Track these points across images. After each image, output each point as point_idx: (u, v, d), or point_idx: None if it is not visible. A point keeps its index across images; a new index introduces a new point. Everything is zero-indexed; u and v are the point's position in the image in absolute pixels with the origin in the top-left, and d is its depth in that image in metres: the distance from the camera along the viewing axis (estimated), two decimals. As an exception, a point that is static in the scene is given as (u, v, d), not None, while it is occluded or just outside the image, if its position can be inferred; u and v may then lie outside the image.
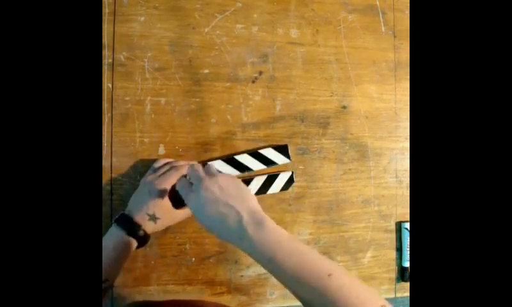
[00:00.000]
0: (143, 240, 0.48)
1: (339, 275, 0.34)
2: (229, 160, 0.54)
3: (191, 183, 0.43)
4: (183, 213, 0.50)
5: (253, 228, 0.37)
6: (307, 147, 0.58)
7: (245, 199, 0.40)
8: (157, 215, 0.48)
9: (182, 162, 0.52)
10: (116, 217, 0.47)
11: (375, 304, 0.32)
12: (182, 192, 0.43)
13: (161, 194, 0.47)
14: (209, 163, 0.51)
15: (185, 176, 0.47)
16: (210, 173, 0.42)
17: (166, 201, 0.48)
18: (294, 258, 0.35)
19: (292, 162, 0.57)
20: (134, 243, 0.47)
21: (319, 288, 0.33)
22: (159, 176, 0.49)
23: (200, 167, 0.44)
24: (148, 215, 0.47)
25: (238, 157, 0.55)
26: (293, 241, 0.37)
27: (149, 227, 0.48)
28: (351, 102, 0.59)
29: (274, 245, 0.36)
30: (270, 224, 0.37)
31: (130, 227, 0.46)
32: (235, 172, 0.54)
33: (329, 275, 0.34)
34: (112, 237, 0.46)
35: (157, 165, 0.51)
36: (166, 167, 0.50)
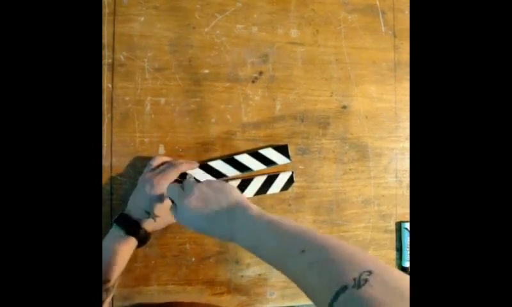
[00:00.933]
0: (144, 238, 0.48)
1: (312, 252, 0.31)
2: (229, 160, 0.54)
3: (173, 202, 0.44)
4: None
5: (237, 222, 0.37)
6: (307, 147, 0.58)
7: (224, 197, 0.40)
8: (156, 213, 0.48)
9: (180, 160, 0.52)
10: (116, 217, 0.47)
11: (352, 273, 0.27)
12: (172, 214, 0.44)
13: (160, 192, 0.47)
14: (188, 176, 0.51)
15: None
16: (186, 187, 0.43)
17: (166, 199, 0.48)
18: (273, 241, 0.34)
19: (292, 162, 0.57)
20: (135, 242, 0.47)
21: (295, 266, 0.32)
22: (158, 174, 0.49)
23: (176, 186, 0.44)
24: (148, 213, 0.47)
25: (238, 157, 0.55)
26: (272, 223, 0.36)
27: (149, 225, 0.48)
28: (351, 102, 0.59)
29: (256, 234, 0.36)
30: (251, 211, 0.38)
31: (130, 226, 0.46)
32: (235, 172, 0.54)
33: (302, 251, 0.31)
34: (113, 237, 0.46)
35: (155, 163, 0.51)
36: (165, 165, 0.50)
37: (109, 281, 0.44)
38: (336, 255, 0.29)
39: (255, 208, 0.38)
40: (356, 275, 0.26)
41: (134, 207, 0.48)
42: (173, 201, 0.44)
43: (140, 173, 0.52)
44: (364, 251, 0.33)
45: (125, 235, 0.46)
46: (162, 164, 0.51)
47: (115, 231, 0.46)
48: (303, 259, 0.31)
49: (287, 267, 0.33)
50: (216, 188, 0.41)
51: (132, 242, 0.47)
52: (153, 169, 0.50)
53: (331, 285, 0.27)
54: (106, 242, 0.46)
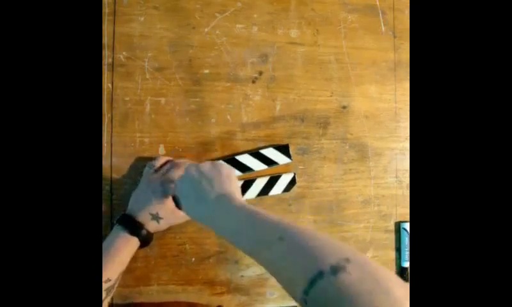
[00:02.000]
0: (146, 239, 0.48)
1: (289, 240, 0.30)
2: (230, 160, 0.54)
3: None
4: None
5: (217, 207, 0.38)
6: (307, 147, 0.58)
7: (220, 180, 0.40)
8: (160, 214, 0.48)
9: (182, 160, 0.52)
10: (118, 217, 0.47)
11: (328, 260, 0.26)
12: (175, 185, 0.44)
13: (164, 193, 0.47)
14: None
15: None
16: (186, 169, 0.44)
17: (169, 201, 0.48)
18: (250, 229, 0.34)
19: (292, 161, 0.57)
20: (137, 243, 0.47)
21: (271, 253, 0.31)
22: (162, 175, 0.48)
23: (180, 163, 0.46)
24: (151, 214, 0.47)
25: (239, 157, 0.55)
26: (251, 213, 0.36)
27: (152, 226, 0.48)
28: (351, 102, 0.59)
29: (234, 222, 0.36)
30: (232, 201, 0.38)
31: (133, 227, 0.46)
32: (237, 172, 0.54)
33: (280, 238, 0.31)
34: (115, 237, 0.46)
35: (157, 163, 0.50)
36: (168, 166, 0.50)
37: (109, 280, 0.44)
38: (313, 242, 0.29)
39: (238, 199, 0.38)
40: (333, 262, 0.26)
41: (137, 208, 0.48)
42: (178, 200, 0.44)
43: (140, 173, 0.52)
44: (341, 241, 0.32)
45: (128, 235, 0.46)
46: (165, 163, 0.51)
47: (118, 231, 0.46)
48: (280, 246, 0.30)
49: (263, 254, 0.32)
50: (218, 170, 0.42)
51: (135, 242, 0.47)
52: (156, 170, 0.50)
53: (308, 272, 0.26)
54: (108, 241, 0.46)
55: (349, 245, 0.34)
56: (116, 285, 0.46)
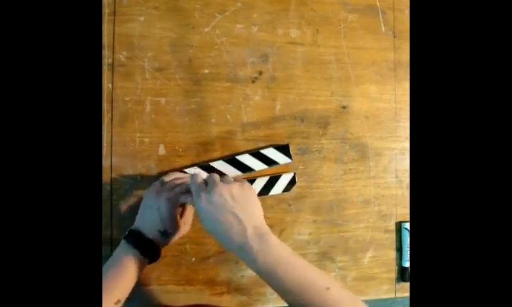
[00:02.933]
0: (156, 256, 0.46)
1: (336, 291, 0.35)
2: (230, 160, 0.54)
3: (205, 184, 0.42)
4: (189, 225, 0.50)
5: (256, 241, 0.38)
6: (307, 147, 0.58)
7: (253, 213, 0.40)
8: (168, 230, 0.46)
9: (188, 175, 0.51)
10: (126, 234, 0.45)
11: None
12: (194, 190, 0.42)
13: (171, 209, 0.46)
14: (227, 175, 0.48)
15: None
16: (226, 181, 0.42)
17: (177, 215, 0.47)
18: (294, 272, 0.36)
19: (292, 161, 0.57)
20: (147, 261, 0.45)
21: (318, 302, 0.35)
22: (168, 190, 0.47)
23: (216, 176, 0.43)
24: (160, 232, 0.46)
25: (239, 157, 0.55)
26: (293, 256, 0.38)
27: (161, 242, 0.47)
28: (351, 102, 0.59)
29: (274, 260, 0.37)
30: (272, 238, 0.38)
31: (143, 246, 0.44)
32: (237, 172, 0.54)
33: (328, 289, 0.35)
34: (125, 256, 0.44)
35: (167, 179, 0.49)
36: (178, 182, 0.49)
37: (119, 301, 0.42)
38: (354, 299, 0.36)
39: (273, 235, 0.39)
40: None
41: (145, 225, 0.46)
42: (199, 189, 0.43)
43: (140, 173, 0.52)
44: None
45: (138, 254, 0.44)
46: (175, 179, 0.50)
47: (127, 249, 0.44)
48: (329, 295, 0.35)
49: (306, 298, 0.35)
50: (247, 197, 0.41)
51: (144, 260, 0.45)
52: (163, 184, 0.48)
53: None
54: (118, 261, 0.44)
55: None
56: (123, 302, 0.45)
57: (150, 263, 0.47)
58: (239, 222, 0.38)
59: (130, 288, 0.44)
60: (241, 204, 0.40)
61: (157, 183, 0.49)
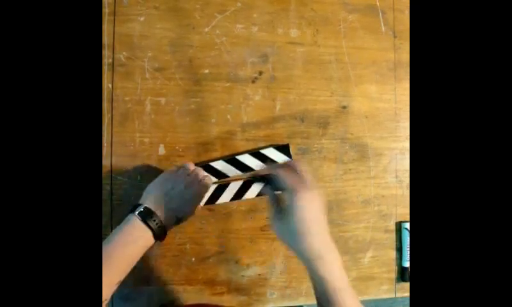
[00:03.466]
0: (162, 238, 0.46)
1: None
2: (230, 160, 0.54)
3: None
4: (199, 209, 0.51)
5: (330, 255, 0.37)
6: (307, 147, 0.58)
7: (326, 225, 0.38)
8: (184, 218, 0.47)
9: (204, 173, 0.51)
10: (141, 210, 0.44)
11: None
12: (290, 183, 0.38)
13: (197, 201, 0.47)
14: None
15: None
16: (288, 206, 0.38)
17: (195, 204, 0.48)
18: (348, 301, 0.36)
19: (291, 159, 0.57)
20: (152, 240, 0.45)
21: None
22: (198, 181, 0.48)
23: (274, 197, 0.41)
24: (177, 217, 0.46)
25: (239, 157, 0.55)
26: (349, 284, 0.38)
27: (170, 226, 0.47)
28: (351, 102, 0.59)
29: (340, 279, 0.37)
30: (339, 258, 0.38)
31: (157, 227, 0.44)
32: (237, 172, 0.54)
33: None
34: (136, 232, 0.43)
35: (191, 167, 0.50)
36: (202, 175, 0.50)
37: (120, 281, 0.42)
38: None
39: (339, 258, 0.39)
40: None
41: (163, 209, 0.45)
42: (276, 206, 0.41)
43: (140, 173, 0.52)
44: None
45: (151, 237, 0.44)
46: (196, 170, 0.50)
47: (140, 228, 0.43)
48: None
49: None
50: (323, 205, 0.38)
51: (151, 239, 0.44)
52: (189, 174, 0.49)
53: None
54: (128, 242, 0.43)
55: None
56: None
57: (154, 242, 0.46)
58: (323, 233, 0.37)
59: (134, 263, 0.44)
60: (323, 214, 0.38)
61: (181, 170, 0.49)
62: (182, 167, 0.49)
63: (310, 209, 0.37)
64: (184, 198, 0.47)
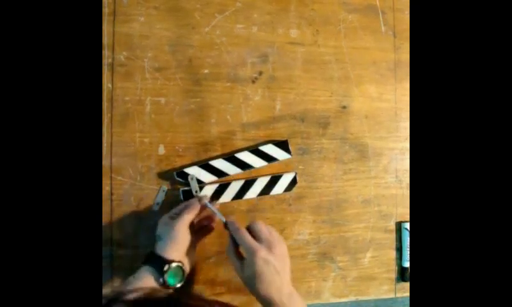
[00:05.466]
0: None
1: None
2: (230, 158, 0.54)
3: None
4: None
5: (286, 298, 0.43)
6: (307, 147, 0.58)
7: (287, 273, 0.45)
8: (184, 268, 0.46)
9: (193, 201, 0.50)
10: (153, 260, 0.44)
11: None
12: (247, 243, 0.45)
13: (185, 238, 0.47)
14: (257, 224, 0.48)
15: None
16: (267, 234, 0.46)
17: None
18: None
19: (292, 161, 0.57)
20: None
21: None
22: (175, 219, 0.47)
23: (265, 231, 0.47)
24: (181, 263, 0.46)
25: (238, 155, 0.55)
26: None
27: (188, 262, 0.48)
28: (351, 102, 0.59)
29: None
30: (297, 298, 0.44)
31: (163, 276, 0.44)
32: (236, 170, 0.54)
33: None
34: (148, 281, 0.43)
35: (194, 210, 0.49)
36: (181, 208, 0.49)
37: None
38: None
39: (297, 294, 0.45)
40: None
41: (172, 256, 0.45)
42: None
43: (140, 173, 0.52)
44: None
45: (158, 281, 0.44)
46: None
47: (150, 275, 0.43)
48: None
49: None
50: (281, 256, 0.45)
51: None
52: (172, 217, 0.48)
53: None
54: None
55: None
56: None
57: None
58: (280, 280, 0.43)
59: None
60: (282, 264, 0.44)
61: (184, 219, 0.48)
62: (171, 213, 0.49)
63: (263, 271, 0.43)
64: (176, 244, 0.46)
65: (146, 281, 0.43)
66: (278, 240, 0.46)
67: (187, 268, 0.47)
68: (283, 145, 0.56)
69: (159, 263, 0.44)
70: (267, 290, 0.43)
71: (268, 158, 0.55)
